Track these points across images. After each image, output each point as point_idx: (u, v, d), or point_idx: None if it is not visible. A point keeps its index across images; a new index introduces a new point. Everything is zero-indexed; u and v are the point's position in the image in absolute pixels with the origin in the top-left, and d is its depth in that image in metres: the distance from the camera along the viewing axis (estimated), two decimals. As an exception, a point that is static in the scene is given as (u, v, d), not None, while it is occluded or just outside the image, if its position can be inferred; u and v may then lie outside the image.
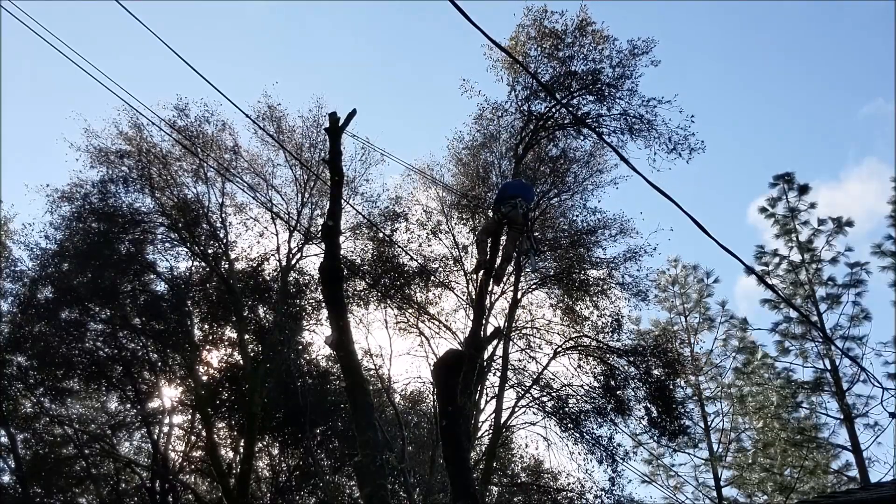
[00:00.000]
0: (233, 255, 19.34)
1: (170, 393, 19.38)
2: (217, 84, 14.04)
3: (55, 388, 18.55)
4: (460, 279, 19.56)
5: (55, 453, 19.69)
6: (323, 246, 9.43)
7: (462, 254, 19.66)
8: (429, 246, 19.44)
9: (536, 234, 17.75)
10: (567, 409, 18.46)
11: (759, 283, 23.72)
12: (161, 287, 19.38)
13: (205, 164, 18.92)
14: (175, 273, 19.27)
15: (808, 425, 21.15)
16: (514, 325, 18.91)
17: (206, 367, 19.21)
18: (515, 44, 16.87)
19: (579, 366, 18.84)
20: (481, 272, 9.96)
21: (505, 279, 16.52)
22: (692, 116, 16.66)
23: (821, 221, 22.01)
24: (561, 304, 19.77)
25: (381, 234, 18.67)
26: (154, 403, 19.23)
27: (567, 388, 18.73)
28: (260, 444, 19.10)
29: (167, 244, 19.25)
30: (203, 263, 19.16)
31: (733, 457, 23.69)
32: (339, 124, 9.58)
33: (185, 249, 19.14)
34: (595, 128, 16.67)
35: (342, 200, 9.78)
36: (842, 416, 20.32)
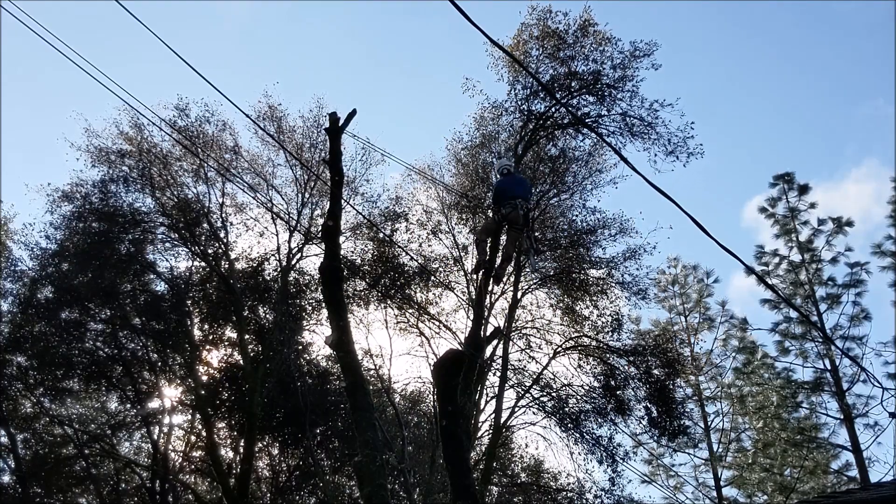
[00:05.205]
0: (233, 255, 19.36)
1: (170, 393, 19.41)
2: (218, 84, 14.05)
3: (55, 388, 18.53)
4: (460, 279, 19.58)
5: (55, 453, 19.69)
6: (323, 246, 9.43)
7: (462, 254, 19.69)
8: (429, 246, 19.47)
9: (536, 233, 17.74)
10: (567, 409, 18.46)
11: (759, 283, 23.72)
12: (161, 287, 19.41)
13: (205, 164, 18.93)
14: (175, 273, 19.28)
15: (808, 425, 21.14)
16: (514, 325, 18.91)
17: (206, 367, 19.21)
18: (518, 42, 16.90)
19: (579, 366, 18.87)
20: (481, 272, 9.95)
21: (505, 279, 16.53)
22: (692, 123, 16.73)
23: (821, 221, 22.05)
24: (561, 304, 19.77)
25: (381, 234, 18.68)
26: (154, 403, 19.23)
27: (567, 388, 18.74)
28: (260, 444, 19.10)
29: (167, 244, 19.27)
30: (203, 263, 19.16)
31: (733, 457, 23.68)
32: (340, 124, 9.55)
33: (186, 249, 19.15)
34: (595, 128, 16.70)
35: (342, 200, 9.77)
36: (842, 416, 20.32)
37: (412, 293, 19.08)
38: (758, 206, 24.19)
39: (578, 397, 18.71)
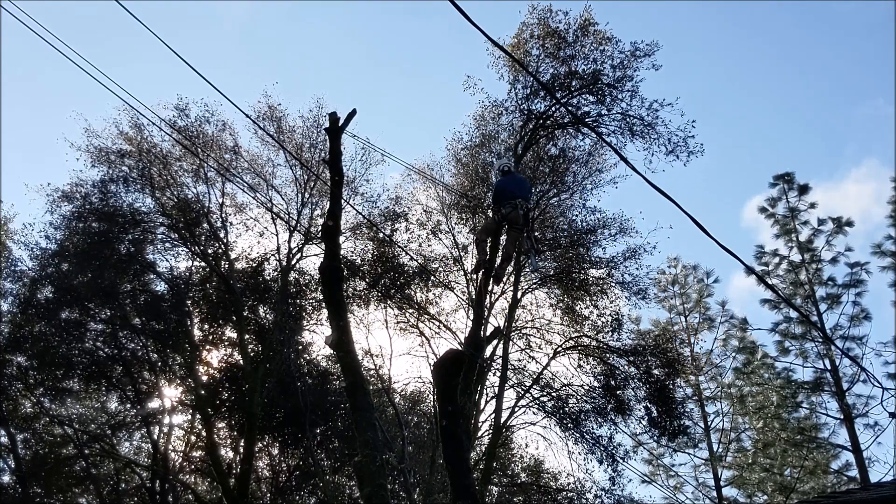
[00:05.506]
0: (233, 255, 19.36)
1: (170, 393, 19.41)
2: (217, 84, 14.05)
3: (55, 388, 18.53)
4: (460, 279, 19.57)
5: (55, 453, 19.69)
6: (323, 246, 9.43)
7: (462, 254, 19.68)
8: (429, 246, 19.47)
9: (536, 233, 17.73)
10: (567, 409, 18.46)
11: (759, 283, 23.72)
12: (161, 287, 19.41)
13: (205, 164, 18.93)
14: (175, 273, 19.28)
15: (808, 425, 21.14)
16: (514, 325, 18.91)
17: (206, 367, 19.21)
18: (518, 42, 16.91)
19: (579, 366, 18.86)
20: (481, 272, 9.94)
21: (505, 279, 16.52)
22: (693, 122, 16.78)
23: (821, 221, 22.05)
24: (561, 304, 19.76)
25: (381, 234, 18.68)
26: (154, 403, 19.24)
27: (567, 388, 18.74)
28: (260, 444, 19.10)
29: (167, 244, 19.27)
30: (203, 263, 19.16)
31: (733, 457, 23.68)
32: (339, 124, 9.55)
33: (185, 249, 19.15)
34: (595, 127, 16.70)
35: (342, 200, 9.77)
36: (842, 416, 20.32)
37: (412, 293, 19.08)
38: (758, 206, 24.21)
39: (578, 397, 18.71)
